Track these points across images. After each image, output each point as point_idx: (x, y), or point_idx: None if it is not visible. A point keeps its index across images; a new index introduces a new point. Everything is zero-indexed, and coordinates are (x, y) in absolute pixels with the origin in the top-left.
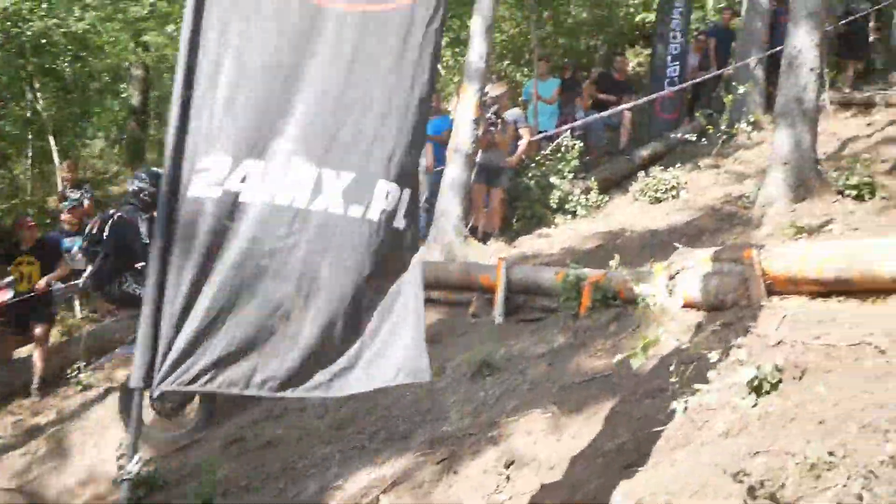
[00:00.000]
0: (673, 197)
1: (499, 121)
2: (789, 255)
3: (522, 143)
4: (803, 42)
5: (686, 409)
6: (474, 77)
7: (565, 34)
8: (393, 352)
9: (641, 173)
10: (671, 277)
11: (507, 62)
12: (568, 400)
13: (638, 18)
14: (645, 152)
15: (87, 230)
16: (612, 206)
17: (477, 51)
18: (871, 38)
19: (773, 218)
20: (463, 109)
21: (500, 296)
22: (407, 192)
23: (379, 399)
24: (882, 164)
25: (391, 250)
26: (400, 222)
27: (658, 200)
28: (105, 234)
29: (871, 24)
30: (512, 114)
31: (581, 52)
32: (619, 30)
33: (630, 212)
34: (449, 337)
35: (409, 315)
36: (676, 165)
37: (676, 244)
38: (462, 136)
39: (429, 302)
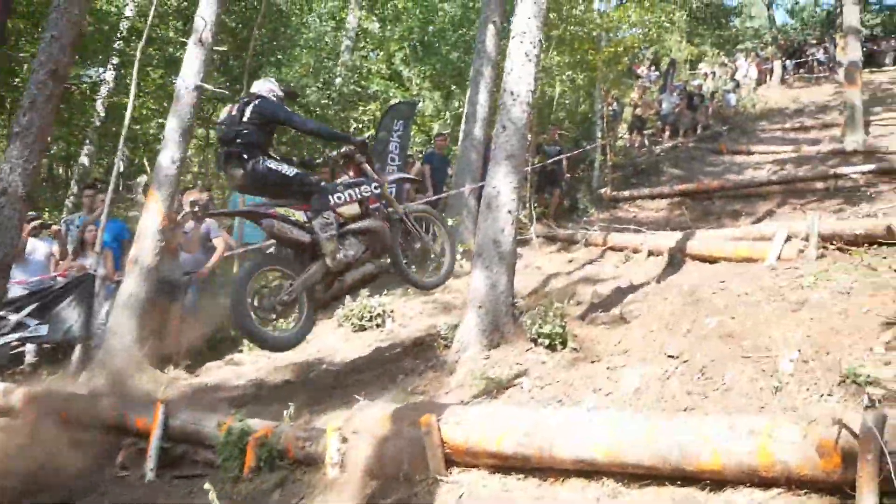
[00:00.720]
0: (378, 326)
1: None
2: (469, 422)
3: (215, 256)
4: (502, 183)
5: None
6: (164, 183)
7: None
8: None
9: (348, 297)
10: (344, 440)
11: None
12: None
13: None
14: (356, 274)
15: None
16: (316, 331)
17: (170, 154)
18: (566, 175)
19: (466, 364)
20: (148, 217)
21: (153, 445)
22: None
23: None
24: (577, 308)
25: None
26: None
27: (363, 328)
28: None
29: (564, 163)
30: (205, 224)
31: None
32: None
33: (332, 340)
34: (85, 496)
35: None
36: (386, 291)
37: (358, 396)
38: (144, 245)
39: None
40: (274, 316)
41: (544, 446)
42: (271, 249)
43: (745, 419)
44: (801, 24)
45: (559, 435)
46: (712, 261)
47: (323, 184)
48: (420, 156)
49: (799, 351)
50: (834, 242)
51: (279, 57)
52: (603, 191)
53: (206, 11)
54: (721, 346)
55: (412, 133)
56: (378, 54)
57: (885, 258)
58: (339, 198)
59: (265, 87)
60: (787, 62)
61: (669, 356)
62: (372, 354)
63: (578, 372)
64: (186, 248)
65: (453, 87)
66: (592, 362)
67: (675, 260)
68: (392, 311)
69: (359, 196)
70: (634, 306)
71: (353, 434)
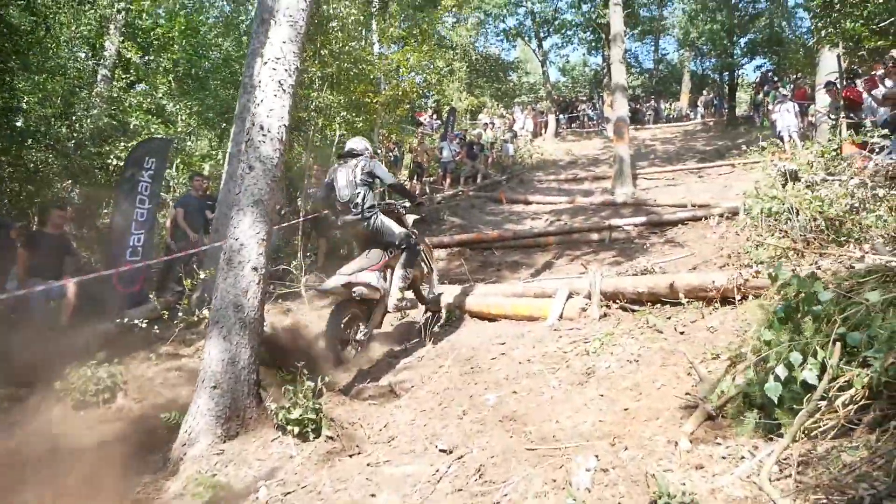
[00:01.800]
0: (106, 401)
1: None
2: None
3: None
4: (246, 235)
5: None
6: None
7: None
8: None
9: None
10: None
11: None
12: None
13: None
14: (90, 336)
15: None
16: (32, 410)
17: None
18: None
19: (193, 462)
20: None
21: None
22: None
23: None
24: (344, 375)
25: None
26: None
27: (85, 405)
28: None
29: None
30: None
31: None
32: (98, 180)
33: (42, 422)
34: None
35: None
36: (123, 356)
37: None
38: None
39: None
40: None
41: None
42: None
43: None
44: (572, 82)
45: None
46: (492, 319)
47: (413, 241)
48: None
49: (597, 457)
50: (617, 300)
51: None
52: None
53: None
54: (503, 435)
55: (178, 173)
56: (141, 86)
57: (669, 318)
58: (409, 248)
59: (361, 145)
60: (561, 116)
61: (442, 451)
62: (94, 440)
63: (332, 472)
64: None
65: (225, 126)
66: (351, 455)
67: (454, 317)
68: (126, 383)
69: (413, 247)
70: (408, 374)
71: None
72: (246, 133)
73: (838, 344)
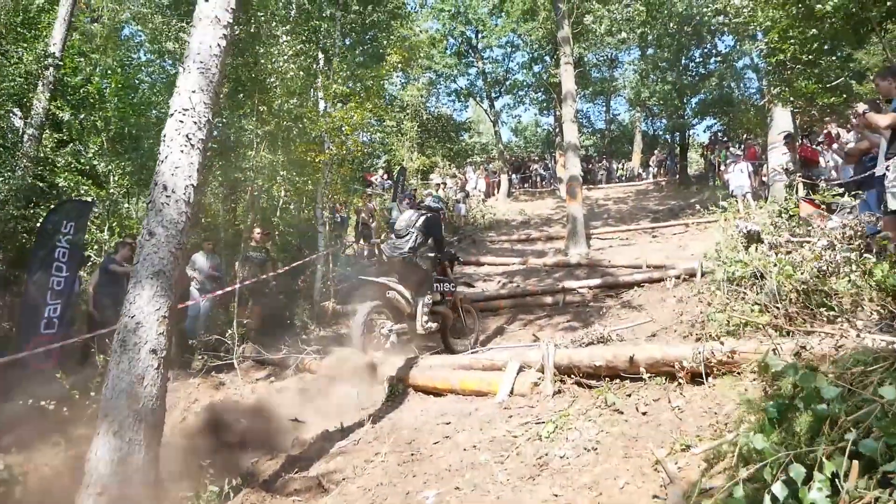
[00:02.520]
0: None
1: None
2: None
3: None
4: (144, 311)
5: None
6: None
7: None
8: None
9: None
10: None
11: None
12: None
13: None
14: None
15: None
16: None
17: None
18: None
19: None
20: None
21: None
22: None
23: None
24: (270, 463)
25: None
26: None
27: None
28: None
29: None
30: None
31: None
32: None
33: None
34: None
35: None
36: (30, 441)
37: None
38: None
39: None
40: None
41: None
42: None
43: None
44: (524, 142)
45: None
46: (438, 393)
47: (434, 279)
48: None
49: None
50: (573, 374)
51: None
52: (325, 304)
53: None
54: None
55: (111, 237)
56: (71, 146)
57: (629, 395)
58: (436, 288)
59: (435, 204)
60: (513, 176)
61: None
62: None
63: None
64: None
65: None
66: None
67: (397, 391)
68: (26, 474)
69: (441, 289)
70: (341, 461)
71: None
72: (149, 194)
73: (856, 462)
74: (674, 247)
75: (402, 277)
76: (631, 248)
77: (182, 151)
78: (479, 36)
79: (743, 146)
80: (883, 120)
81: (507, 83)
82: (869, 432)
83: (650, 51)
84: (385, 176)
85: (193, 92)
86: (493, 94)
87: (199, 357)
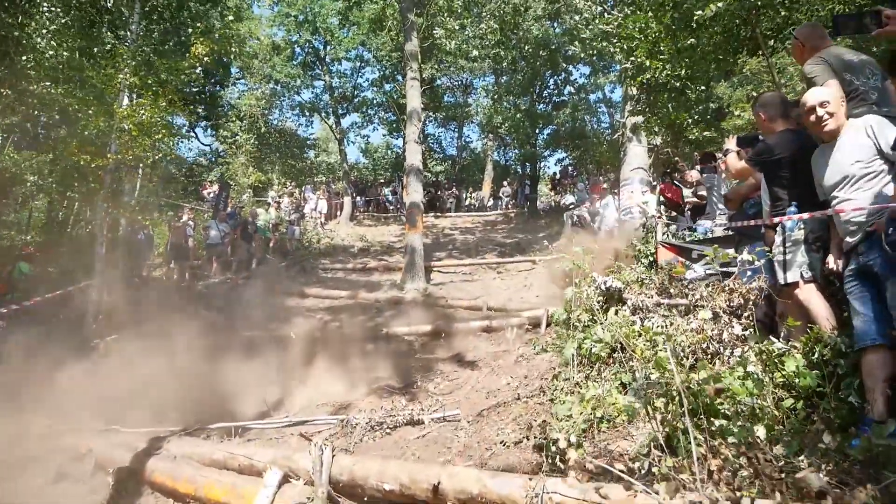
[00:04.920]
0: None
1: None
2: None
3: None
4: None
5: None
6: None
7: None
8: None
9: None
10: None
11: None
12: None
13: None
14: None
15: None
16: None
17: None
18: None
19: None
20: None
21: None
22: None
23: None
24: None
25: None
26: None
27: None
28: None
29: None
30: None
31: None
32: None
33: None
34: None
35: None
36: None
37: None
38: None
39: None
40: None
41: None
42: None
43: None
44: (373, 164)
45: None
46: (179, 497)
47: None
48: None
49: None
50: (356, 496)
51: None
52: (95, 342)
53: None
54: None
55: None
56: None
57: None
58: None
59: None
60: (358, 199)
61: None
62: None
63: None
64: None
65: None
66: None
67: (127, 489)
68: None
69: None
70: None
71: None
72: None
73: None
74: (519, 285)
75: None
76: (473, 285)
77: None
78: (328, 48)
79: (588, 182)
80: (734, 166)
81: (356, 100)
82: None
83: (504, 78)
84: (219, 189)
85: None
86: (340, 111)
87: None
